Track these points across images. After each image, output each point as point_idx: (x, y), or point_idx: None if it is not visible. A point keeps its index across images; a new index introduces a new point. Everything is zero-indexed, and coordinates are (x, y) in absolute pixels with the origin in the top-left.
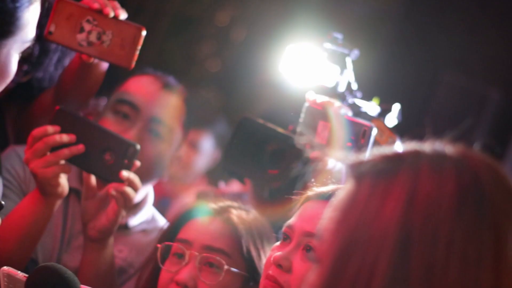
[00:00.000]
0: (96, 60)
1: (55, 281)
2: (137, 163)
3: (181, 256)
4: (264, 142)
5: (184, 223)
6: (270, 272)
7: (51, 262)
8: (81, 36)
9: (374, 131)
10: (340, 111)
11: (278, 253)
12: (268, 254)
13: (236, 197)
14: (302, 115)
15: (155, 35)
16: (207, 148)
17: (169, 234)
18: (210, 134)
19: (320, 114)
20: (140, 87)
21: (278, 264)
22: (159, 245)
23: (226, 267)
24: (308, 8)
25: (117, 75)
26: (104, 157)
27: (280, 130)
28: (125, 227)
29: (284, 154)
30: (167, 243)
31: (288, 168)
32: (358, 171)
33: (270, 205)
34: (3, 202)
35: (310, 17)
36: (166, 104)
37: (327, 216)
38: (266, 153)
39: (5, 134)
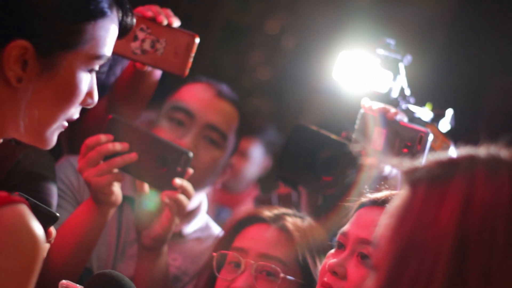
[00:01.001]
0: (149, 68)
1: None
2: (190, 170)
3: (237, 264)
4: (318, 149)
5: (239, 231)
6: (325, 279)
7: (108, 269)
8: (135, 45)
9: (431, 137)
10: (396, 117)
11: (333, 260)
12: (323, 262)
13: (289, 202)
14: (357, 122)
15: (206, 44)
16: (257, 156)
17: (225, 243)
18: (260, 142)
19: (375, 121)
20: (194, 95)
21: (333, 271)
22: (214, 254)
23: (282, 275)
24: (360, 14)
25: (168, 85)
26: (157, 165)
27: (333, 136)
28: (179, 235)
29: (338, 161)
30: (222, 251)
31: (342, 174)
32: (413, 177)
33: (324, 212)
34: (57, 214)
35: (362, 24)
36: (220, 111)
37: (383, 223)
38: (320, 160)
39: (58, 144)
